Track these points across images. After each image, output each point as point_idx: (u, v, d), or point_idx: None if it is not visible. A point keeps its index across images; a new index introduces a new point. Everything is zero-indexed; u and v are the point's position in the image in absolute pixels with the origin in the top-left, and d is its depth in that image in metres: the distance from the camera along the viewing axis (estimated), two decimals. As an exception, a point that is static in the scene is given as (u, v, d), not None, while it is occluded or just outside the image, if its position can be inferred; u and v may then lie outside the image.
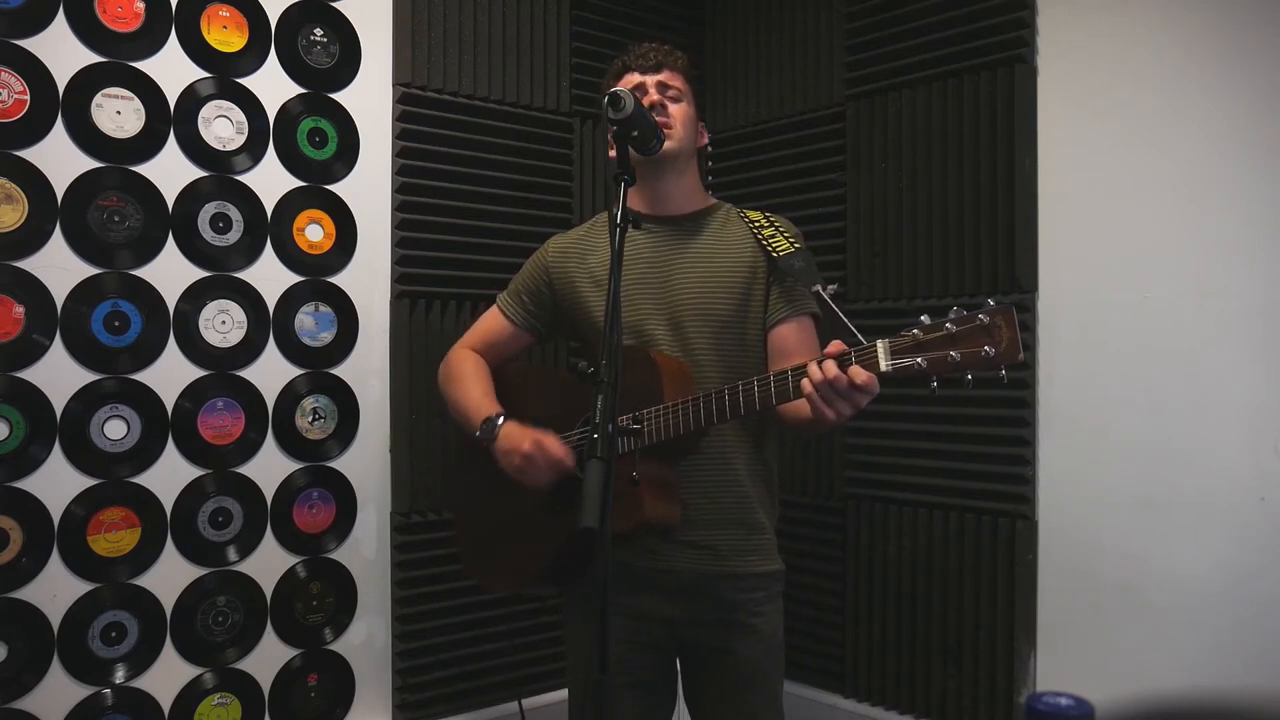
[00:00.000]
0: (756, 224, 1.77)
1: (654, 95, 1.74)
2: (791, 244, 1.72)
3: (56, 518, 1.95)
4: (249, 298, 2.17)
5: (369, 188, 2.33)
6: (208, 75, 2.11)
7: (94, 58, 1.98)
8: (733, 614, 1.70)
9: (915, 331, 1.36)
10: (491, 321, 1.91)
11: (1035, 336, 2.19)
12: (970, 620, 2.27)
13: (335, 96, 2.29)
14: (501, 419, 1.71)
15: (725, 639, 1.71)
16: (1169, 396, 2.01)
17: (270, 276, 2.21)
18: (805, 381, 1.41)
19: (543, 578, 1.77)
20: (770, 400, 1.48)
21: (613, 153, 1.74)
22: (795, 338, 1.73)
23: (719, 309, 1.71)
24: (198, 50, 2.10)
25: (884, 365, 1.37)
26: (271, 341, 2.21)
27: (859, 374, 1.37)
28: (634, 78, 1.77)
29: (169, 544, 2.08)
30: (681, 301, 1.72)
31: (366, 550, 2.35)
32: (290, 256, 2.23)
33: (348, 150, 2.31)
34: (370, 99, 2.33)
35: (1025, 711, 0.67)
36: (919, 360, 1.34)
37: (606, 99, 1.41)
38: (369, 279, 2.34)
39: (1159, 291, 2.03)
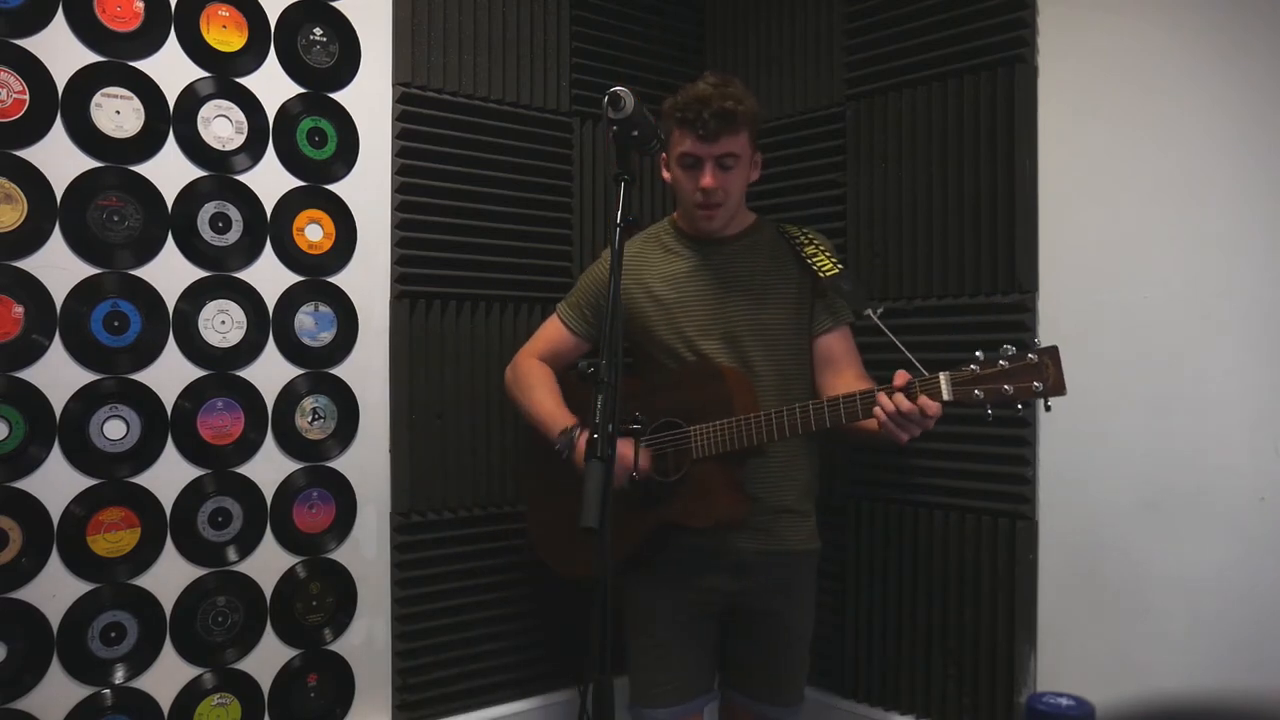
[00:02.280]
0: (797, 240, 1.92)
1: (709, 179, 1.78)
2: (835, 264, 1.87)
3: (56, 518, 1.95)
4: (249, 298, 2.17)
5: (369, 188, 2.33)
6: (207, 75, 2.11)
7: (93, 57, 1.98)
8: (785, 585, 1.95)
9: (973, 366, 1.55)
10: (553, 331, 2.06)
11: (1035, 336, 2.19)
12: (970, 620, 2.27)
13: (335, 96, 2.29)
14: (578, 430, 1.84)
15: (776, 605, 1.95)
16: (1169, 397, 2.01)
17: (270, 276, 2.20)
18: (879, 410, 1.60)
19: (623, 566, 1.93)
20: (841, 420, 1.68)
21: (666, 175, 1.88)
22: (840, 346, 1.94)
23: (773, 324, 1.87)
24: (197, 50, 2.10)
25: (946, 395, 1.57)
26: (271, 341, 2.21)
27: (929, 405, 1.57)
28: (690, 144, 1.79)
29: (169, 544, 2.08)
30: (735, 317, 1.86)
31: (366, 550, 2.35)
32: (290, 256, 2.23)
33: (348, 150, 2.31)
34: (370, 99, 2.33)
35: (1025, 711, 0.67)
36: (976, 391, 1.54)
37: (606, 98, 1.42)
38: (369, 279, 2.34)
39: (1159, 291, 2.03)
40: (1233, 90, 1.94)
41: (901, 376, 1.59)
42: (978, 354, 1.54)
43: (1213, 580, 1.94)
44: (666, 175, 1.93)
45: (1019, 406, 1.55)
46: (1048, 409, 1.51)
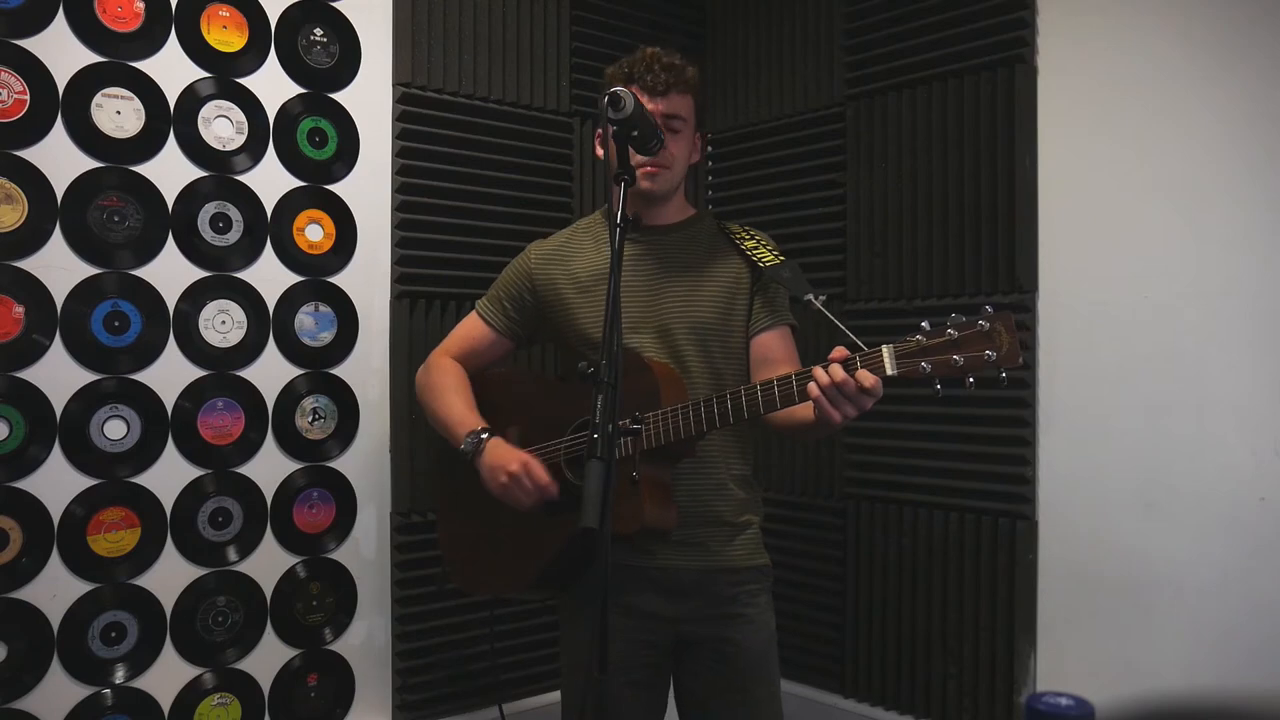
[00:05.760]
0: (737, 235, 1.81)
1: None
2: (775, 256, 1.76)
3: (56, 518, 1.95)
4: (249, 298, 2.17)
5: (369, 188, 2.33)
6: (208, 75, 2.11)
7: (94, 58, 1.98)
8: (729, 606, 1.74)
9: (919, 337, 1.42)
10: (471, 328, 1.92)
11: (1035, 336, 2.19)
12: (970, 620, 2.27)
13: (335, 96, 2.29)
14: (486, 434, 1.72)
15: (725, 630, 1.74)
16: (1169, 396, 2.01)
17: (270, 276, 2.20)
18: (812, 385, 1.45)
19: (536, 582, 1.78)
20: (775, 404, 1.52)
21: (599, 151, 1.77)
22: (778, 345, 1.78)
23: (706, 317, 1.75)
24: (198, 50, 2.10)
25: (889, 370, 1.43)
26: (271, 341, 2.21)
27: (866, 378, 1.42)
28: (640, 98, 1.75)
29: (169, 544, 2.08)
30: (669, 310, 1.74)
31: (366, 550, 2.35)
32: (290, 256, 2.23)
33: (348, 150, 2.31)
34: (370, 99, 2.33)
35: (1025, 711, 0.67)
36: (923, 364, 1.40)
37: (606, 98, 1.41)
38: (369, 279, 2.34)
39: (1159, 291, 2.03)
40: (1232, 90, 1.94)
41: (841, 352, 1.46)
42: (923, 324, 1.41)
43: (1213, 580, 1.94)
44: (599, 151, 1.81)
45: (970, 380, 1.39)
46: (1003, 382, 1.39)
